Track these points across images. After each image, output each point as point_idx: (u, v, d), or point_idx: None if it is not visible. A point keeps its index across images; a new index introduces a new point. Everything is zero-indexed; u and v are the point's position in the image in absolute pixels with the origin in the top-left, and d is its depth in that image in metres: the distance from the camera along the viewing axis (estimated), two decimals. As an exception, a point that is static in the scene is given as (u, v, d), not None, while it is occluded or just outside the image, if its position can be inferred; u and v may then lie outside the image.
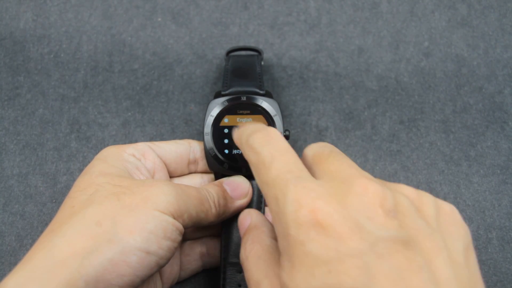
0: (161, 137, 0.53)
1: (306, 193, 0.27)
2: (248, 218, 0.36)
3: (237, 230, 0.43)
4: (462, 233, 0.29)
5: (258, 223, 0.35)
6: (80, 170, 0.50)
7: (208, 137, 0.43)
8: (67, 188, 0.50)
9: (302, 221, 0.26)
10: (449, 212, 0.30)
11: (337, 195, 0.27)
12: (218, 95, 0.45)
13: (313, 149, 0.33)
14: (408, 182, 0.51)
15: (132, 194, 0.34)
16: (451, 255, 0.27)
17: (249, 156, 0.32)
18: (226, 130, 0.44)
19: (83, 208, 0.33)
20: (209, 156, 0.43)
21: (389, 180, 0.51)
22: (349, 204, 0.27)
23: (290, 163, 0.30)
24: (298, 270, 0.26)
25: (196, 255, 0.44)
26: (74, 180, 0.50)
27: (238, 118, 0.44)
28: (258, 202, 0.43)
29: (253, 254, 0.32)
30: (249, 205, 0.43)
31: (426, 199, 0.30)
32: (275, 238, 0.34)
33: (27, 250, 0.32)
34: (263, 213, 0.43)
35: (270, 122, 0.43)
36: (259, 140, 0.32)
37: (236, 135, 0.35)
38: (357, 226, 0.26)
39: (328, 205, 0.26)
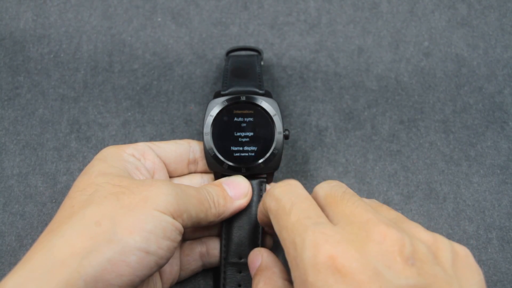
0: (161, 137, 0.53)
1: (325, 238, 0.28)
2: (259, 258, 0.37)
3: (237, 229, 0.43)
4: (477, 278, 0.30)
5: (270, 263, 0.36)
6: (80, 170, 0.50)
7: (207, 137, 0.43)
8: (67, 188, 0.50)
9: (320, 267, 0.27)
10: (464, 257, 0.31)
11: (356, 242, 0.28)
12: (217, 95, 0.45)
13: (325, 189, 0.34)
14: (408, 182, 0.51)
15: (131, 194, 0.34)
16: None
17: (269, 203, 0.34)
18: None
19: (82, 208, 0.33)
20: (208, 156, 0.43)
21: (389, 180, 0.51)
22: (368, 251, 0.27)
23: (309, 209, 0.31)
24: None
25: (196, 255, 0.44)
26: (74, 180, 0.49)
27: (234, 118, 0.44)
28: (257, 202, 0.43)
29: None
30: (249, 205, 0.43)
31: (442, 245, 0.30)
32: (287, 279, 0.35)
33: (27, 250, 0.32)
34: None
35: (270, 121, 0.44)
36: (280, 189, 0.34)
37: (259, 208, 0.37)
38: (376, 274, 0.26)
39: (347, 252, 0.27)
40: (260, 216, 0.38)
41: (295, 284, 0.29)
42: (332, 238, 0.28)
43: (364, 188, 0.51)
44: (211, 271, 0.47)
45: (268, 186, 0.45)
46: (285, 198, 0.32)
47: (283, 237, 0.31)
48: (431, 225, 0.49)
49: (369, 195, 0.50)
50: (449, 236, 0.49)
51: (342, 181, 0.50)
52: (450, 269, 0.29)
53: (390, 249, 0.27)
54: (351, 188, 0.50)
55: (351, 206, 0.31)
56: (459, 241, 0.48)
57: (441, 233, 0.48)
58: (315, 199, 0.34)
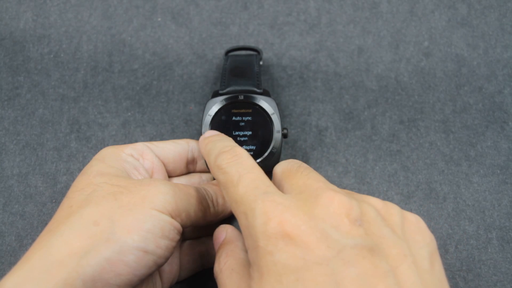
0: (161, 137, 0.53)
1: (274, 206, 0.28)
2: (223, 233, 0.37)
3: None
4: (427, 240, 0.30)
5: (233, 237, 0.36)
6: (80, 170, 0.50)
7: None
8: (67, 188, 0.50)
9: (270, 233, 0.27)
10: (414, 221, 0.31)
11: (304, 207, 0.28)
12: (216, 94, 0.45)
13: (281, 166, 0.35)
14: (408, 182, 0.51)
15: (129, 194, 0.34)
16: (416, 262, 0.28)
17: (218, 176, 0.34)
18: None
19: (80, 208, 0.33)
20: (207, 156, 0.43)
21: (389, 180, 0.51)
22: (316, 214, 0.28)
23: (257, 180, 0.31)
24: (266, 279, 0.27)
25: (196, 254, 0.44)
26: (74, 180, 0.50)
27: (232, 117, 0.44)
28: None
29: (226, 267, 0.33)
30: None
31: (392, 209, 0.31)
32: None
33: (27, 250, 0.32)
34: None
35: (268, 120, 0.44)
36: (226, 160, 0.34)
37: (204, 150, 0.37)
38: (324, 235, 0.27)
39: (296, 216, 0.27)
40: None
41: (248, 252, 0.30)
42: (281, 205, 0.28)
43: (364, 188, 0.51)
44: (211, 271, 0.47)
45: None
46: (233, 170, 0.33)
47: (234, 210, 0.31)
48: (431, 225, 0.49)
49: (369, 195, 0.50)
50: (449, 236, 0.49)
51: (342, 181, 0.51)
52: (399, 231, 0.30)
53: (337, 211, 0.28)
54: (351, 188, 0.50)
55: (304, 178, 0.32)
56: (459, 241, 0.48)
57: (441, 233, 0.48)
58: (274, 176, 0.35)
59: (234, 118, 0.44)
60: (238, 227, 0.43)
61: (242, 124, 0.44)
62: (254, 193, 0.30)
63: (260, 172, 0.32)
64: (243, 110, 0.44)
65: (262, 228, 0.28)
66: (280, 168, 0.35)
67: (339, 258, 0.26)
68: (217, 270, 0.34)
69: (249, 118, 0.44)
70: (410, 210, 0.50)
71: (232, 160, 0.34)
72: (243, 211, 0.30)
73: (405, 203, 0.50)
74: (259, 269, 0.28)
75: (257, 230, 0.28)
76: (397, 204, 0.50)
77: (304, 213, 0.28)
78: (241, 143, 0.43)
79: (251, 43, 0.57)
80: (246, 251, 0.35)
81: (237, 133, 0.43)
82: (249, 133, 0.43)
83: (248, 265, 0.32)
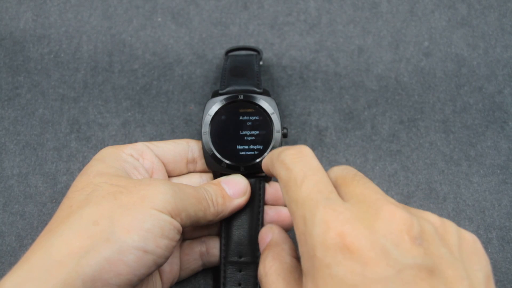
0: (161, 137, 0.53)
1: (335, 215, 0.28)
2: (270, 234, 0.36)
3: (237, 228, 0.43)
4: (484, 263, 0.30)
5: (280, 240, 0.36)
6: (80, 170, 0.50)
7: (206, 136, 0.43)
8: (67, 188, 0.49)
9: (329, 244, 0.27)
10: (471, 241, 0.31)
11: (365, 220, 0.28)
12: (215, 94, 0.45)
13: (335, 171, 0.34)
14: (408, 182, 0.51)
15: (129, 193, 0.34)
16: (472, 284, 0.28)
17: (279, 171, 0.33)
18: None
19: (80, 207, 0.33)
20: (207, 155, 0.43)
21: (389, 180, 0.51)
22: (377, 229, 0.27)
23: (321, 183, 0.30)
24: None
25: (196, 254, 0.44)
26: (74, 180, 0.50)
27: (240, 117, 0.44)
28: (257, 201, 0.43)
29: (272, 271, 0.33)
30: (248, 204, 0.43)
31: (450, 228, 0.30)
32: (295, 256, 0.34)
33: (27, 250, 0.32)
34: (262, 214, 0.44)
35: (268, 120, 0.44)
36: (291, 156, 0.33)
37: (267, 157, 0.36)
38: (384, 252, 0.26)
39: (356, 229, 0.27)
40: (264, 169, 0.37)
41: (302, 259, 0.29)
42: (342, 215, 0.27)
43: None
44: (211, 271, 0.47)
45: (267, 185, 0.45)
46: (297, 168, 0.31)
47: (293, 210, 0.30)
48: (431, 225, 0.49)
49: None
50: (449, 236, 0.49)
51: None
52: (456, 252, 0.29)
53: (398, 227, 0.27)
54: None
55: (361, 187, 0.31)
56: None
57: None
58: None
59: (234, 118, 0.44)
60: (241, 224, 0.43)
61: (242, 124, 0.44)
62: (317, 197, 0.29)
63: (324, 175, 0.31)
64: (243, 110, 0.44)
65: (321, 238, 0.27)
66: (333, 174, 0.34)
67: (399, 278, 0.25)
68: (261, 273, 0.33)
69: (249, 117, 0.44)
70: (410, 210, 0.50)
71: (297, 156, 0.32)
72: (302, 214, 0.29)
73: (405, 203, 0.50)
74: (314, 280, 0.27)
75: (315, 238, 0.27)
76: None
77: (365, 227, 0.27)
78: (248, 143, 0.43)
79: (251, 43, 0.57)
80: (292, 255, 0.34)
81: (244, 132, 0.44)
82: (249, 132, 0.43)
83: (295, 271, 0.32)
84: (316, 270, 0.27)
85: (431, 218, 0.31)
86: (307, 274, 0.28)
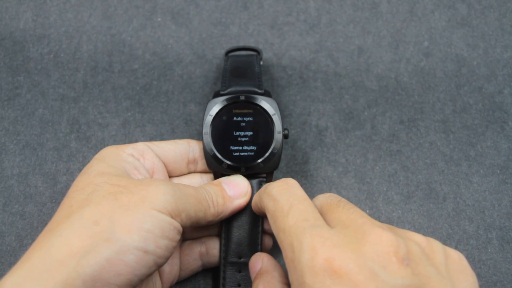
0: (161, 137, 0.53)
1: (322, 241, 0.28)
2: (259, 262, 0.37)
3: (237, 229, 0.43)
4: (471, 280, 0.31)
5: (269, 267, 0.37)
6: (80, 170, 0.50)
7: (207, 137, 0.43)
8: (67, 188, 0.49)
9: (317, 269, 0.27)
10: (457, 259, 0.31)
11: (352, 244, 0.28)
12: (217, 94, 0.45)
13: (320, 199, 0.35)
14: (408, 182, 0.51)
15: (129, 194, 0.34)
16: None
17: (267, 203, 0.34)
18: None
19: (80, 207, 0.33)
20: (208, 156, 0.43)
21: (389, 180, 0.51)
22: (364, 253, 0.28)
23: (307, 211, 0.31)
24: None
25: (196, 254, 0.44)
26: (74, 180, 0.50)
27: (234, 117, 0.44)
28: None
29: None
30: (248, 205, 0.42)
31: (436, 247, 0.31)
32: (286, 283, 0.35)
33: (27, 250, 0.32)
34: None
35: (269, 121, 0.43)
36: (277, 188, 0.34)
37: (255, 196, 0.38)
38: (373, 275, 0.27)
39: (344, 253, 0.27)
40: (254, 207, 0.39)
41: (292, 286, 0.29)
42: (329, 241, 0.28)
43: (364, 188, 0.51)
44: (211, 271, 0.47)
45: None
46: (283, 199, 0.33)
47: (281, 239, 0.31)
48: (431, 225, 0.49)
49: (369, 195, 0.50)
50: (449, 236, 0.49)
51: (342, 181, 0.51)
52: (443, 271, 0.30)
53: (385, 250, 0.28)
54: (351, 188, 0.50)
55: (347, 212, 0.32)
56: (459, 241, 0.48)
57: (441, 233, 0.48)
58: None
59: (235, 118, 0.44)
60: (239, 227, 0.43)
61: (243, 124, 0.44)
62: (303, 225, 0.30)
63: (310, 204, 0.32)
64: (244, 111, 0.44)
65: (309, 263, 0.27)
66: (318, 202, 0.35)
67: None
68: None
69: (250, 118, 0.44)
70: (410, 210, 0.50)
71: (283, 189, 0.34)
72: (290, 242, 0.29)
73: (405, 203, 0.50)
74: None
75: (303, 264, 0.28)
76: (397, 204, 0.50)
77: (353, 251, 0.27)
78: (242, 144, 0.43)
79: (251, 43, 0.57)
80: (283, 282, 0.35)
81: (238, 133, 0.43)
82: (250, 133, 0.43)
83: None
84: None
85: (417, 238, 0.31)
86: None
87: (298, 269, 0.28)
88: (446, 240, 0.49)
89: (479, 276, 0.47)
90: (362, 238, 0.28)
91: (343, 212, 0.32)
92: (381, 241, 0.28)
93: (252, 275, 0.37)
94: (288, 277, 0.31)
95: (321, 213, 0.33)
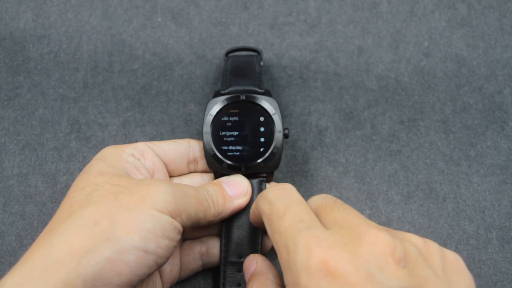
0: (161, 137, 0.53)
1: (318, 242, 0.28)
2: (254, 264, 0.37)
3: (237, 229, 0.43)
4: (467, 282, 0.30)
5: (264, 269, 0.36)
6: (80, 170, 0.50)
7: (207, 136, 0.43)
8: (67, 188, 0.49)
9: (313, 270, 0.27)
10: (454, 261, 0.31)
11: (348, 245, 0.28)
12: (217, 94, 0.45)
13: (315, 201, 0.35)
14: (408, 182, 0.51)
15: (130, 194, 0.34)
16: None
17: (263, 207, 0.34)
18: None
19: (81, 207, 0.33)
20: (208, 155, 0.43)
21: (389, 180, 0.51)
22: (360, 254, 0.27)
23: (303, 213, 0.31)
24: None
25: (196, 254, 0.44)
26: (74, 180, 0.50)
27: (235, 117, 0.44)
28: None
29: None
30: (248, 205, 0.43)
31: (433, 248, 0.31)
32: (280, 285, 0.35)
33: (27, 250, 0.32)
34: None
35: (269, 120, 0.43)
36: (273, 192, 0.34)
37: (253, 206, 0.37)
38: (369, 276, 0.26)
39: (340, 254, 0.27)
40: (252, 217, 0.39)
41: (287, 287, 0.29)
42: (324, 242, 0.28)
43: (364, 188, 0.51)
44: (211, 271, 0.47)
45: (268, 185, 0.45)
46: (279, 202, 0.33)
47: (276, 241, 0.31)
48: (431, 225, 0.49)
49: (369, 195, 0.50)
50: (449, 236, 0.49)
51: (342, 181, 0.51)
52: (440, 272, 0.29)
53: (382, 251, 0.28)
54: (350, 189, 0.50)
55: (342, 213, 0.31)
56: (459, 241, 0.48)
57: (441, 233, 0.48)
58: None
59: (232, 118, 0.44)
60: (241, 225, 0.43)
61: (244, 124, 0.44)
62: (299, 226, 0.30)
63: (305, 206, 0.32)
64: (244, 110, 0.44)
65: (304, 264, 0.27)
66: (314, 203, 0.35)
67: None
68: None
69: (249, 118, 0.44)
70: (410, 210, 0.50)
71: (279, 192, 0.34)
72: (285, 243, 0.29)
73: (405, 203, 0.50)
74: None
75: (298, 265, 0.28)
76: (397, 204, 0.50)
77: (349, 252, 0.27)
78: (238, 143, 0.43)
79: (251, 43, 0.57)
80: (277, 283, 0.35)
81: (235, 133, 0.43)
82: (247, 132, 0.43)
83: None
84: None
85: (414, 239, 0.31)
86: None
87: (293, 270, 0.28)
88: (446, 240, 0.49)
89: (479, 276, 0.47)
90: (358, 239, 0.28)
91: (339, 213, 0.32)
92: (377, 242, 0.28)
93: (247, 277, 0.37)
94: (282, 279, 0.31)
95: (317, 215, 0.33)
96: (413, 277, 0.27)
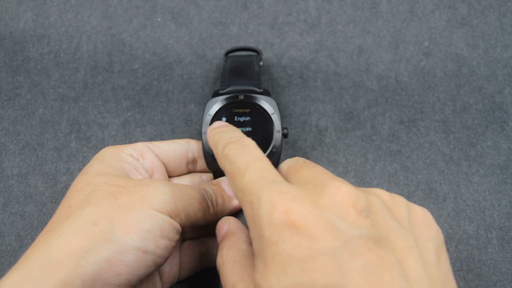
0: (161, 137, 0.53)
1: (280, 195, 0.28)
2: (226, 225, 0.37)
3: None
4: (434, 234, 0.30)
5: (235, 229, 0.36)
6: (80, 170, 0.50)
7: (206, 136, 0.43)
8: (67, 188, 0.49)
9: (276, 222, 0.27)
10: (421, 214, 0.31)
11: (311, 197, 0.28)
12: (216, 94, 0.45)
13: (287, 163, 0.35)
14: (408, 182, 0.51)
15: (128, 194, 0.34)
16: (422, 254, 0.28)
17: (224, 165, 0.34)
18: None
19: (80, 208, 0.33)
20: (207, 155, 0.43)
21: (389, 180, 0.51)
22: (322, 204, 0.28)
23: (264, 169, 0.31)
24: (271, 270, 0.27)
25: (196, 254, 0.44)
26: (74, 180, 0.50)
27: (235, 117, 0.44)
28: None
29: (229, 259, 0.33)
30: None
31: (399, 201, 0.31)
32: (251, 243, 0.34)
33: (27, 250, 0.33)
34: None
35: (268, 120, 0.43)
36: (234, 150, 0.33)
37: (211, 140, 0.36)
38: (330, 225, 0.26)
39: (302, 206, 0.27)
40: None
41: (253, 242, 0.29)
42: (287, 194, 0.28)
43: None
44: (211, 271, 0.47)
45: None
46: (240, 160, 0.32)
47: (240, 198, 0.31)
48: (431, 225, 0.49)
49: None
50: (449, 236, 0.49)
51: (341, 181, 0.50)
52: (406, 224, 0.30)
53: (344, 201, 0.28)
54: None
55: (310, 171, 0.32)
56: (459, 241, 0.48)
57: (440, 233, 0.48)
58: (279, 173, 0.34)
59: (234, 118, 0.44)
60: (243, 222, 0.43)
61: (243, 123, 0.44)
62: (261, 182, 0.30)
63: (267, 162, 0.32)
64: (243, 110, 0.44)
65: (268, 218, 0.27)
66: (285, 165, 0.35)
67: (345, 249, 0.26)
68: (219, 262, 0.34)
69: (249, 118, 0.44)
70: (410, 210, 0.50)
71: (239, 150, 0.33)
72: (249, 200, 0.29)
73: (405, 203, 0.50)
74: (263, 259, 0.27)
75: (262, 219, 0.28)
76: (397, 204, 0.50)
77: (311, 203, 0.27)
78: None
79: (251, 43, 0.57)
80: (249, 242, 0.34)
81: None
82: (246, 132, 0.43)
83: (251, 257, 0.32)
84: (265, 249, 0.27)
85: (380, 193, 0.31)
86: (258, 255, 0.28)
87: (258, 224, 0.28)
88: (446, 240, 0.48)
89: (479, 276, 0.47)
90: (321, 190, 0.28)
91: (307, 171, 0.32)
92: (339, 192, 0.28)
93: (218, 239, 0.37)
94: None
95: (286, 174, 0.33)
96: (375, 227, 0.27)
